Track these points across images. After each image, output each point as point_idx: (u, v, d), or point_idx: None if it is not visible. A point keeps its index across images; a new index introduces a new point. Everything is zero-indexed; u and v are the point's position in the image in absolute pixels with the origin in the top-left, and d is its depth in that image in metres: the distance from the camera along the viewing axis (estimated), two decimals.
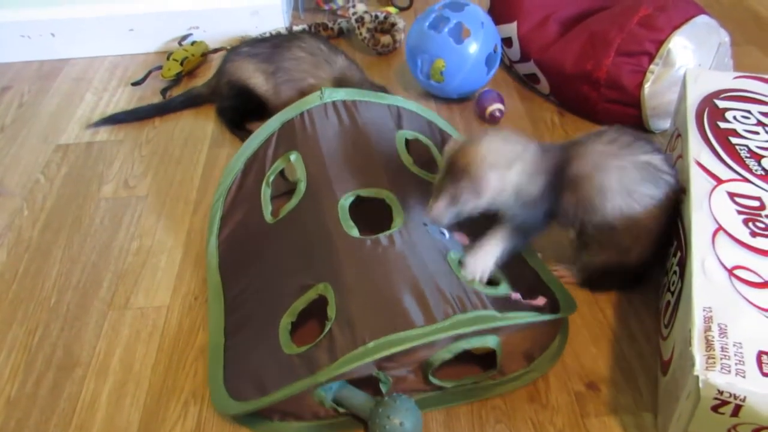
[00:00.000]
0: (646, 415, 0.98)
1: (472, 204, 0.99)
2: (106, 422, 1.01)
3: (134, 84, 1.82)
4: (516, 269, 1.14)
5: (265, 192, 1.21)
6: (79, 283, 1.25)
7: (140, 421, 1.01)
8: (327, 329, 0.94)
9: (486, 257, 1.04)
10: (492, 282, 1.06)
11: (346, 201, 1.09)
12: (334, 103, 1.23)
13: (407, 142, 1.25)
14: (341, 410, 0.96)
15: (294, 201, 1.15)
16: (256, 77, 1.59)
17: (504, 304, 0.99)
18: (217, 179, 1.48)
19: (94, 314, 1.19)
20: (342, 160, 1.16)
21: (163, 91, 1.78)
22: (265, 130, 1.26)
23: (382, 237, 1.02)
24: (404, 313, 0.92)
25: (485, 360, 1.01)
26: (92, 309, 1.20)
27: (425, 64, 1.62)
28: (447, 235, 1.10)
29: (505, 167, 0.99)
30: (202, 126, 1.67)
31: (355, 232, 1.04)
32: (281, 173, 1.23)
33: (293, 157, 1.19)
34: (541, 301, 1.06)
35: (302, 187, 1.15)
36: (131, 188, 1.48)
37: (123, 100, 1.79)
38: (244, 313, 1.11)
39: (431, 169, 1.20)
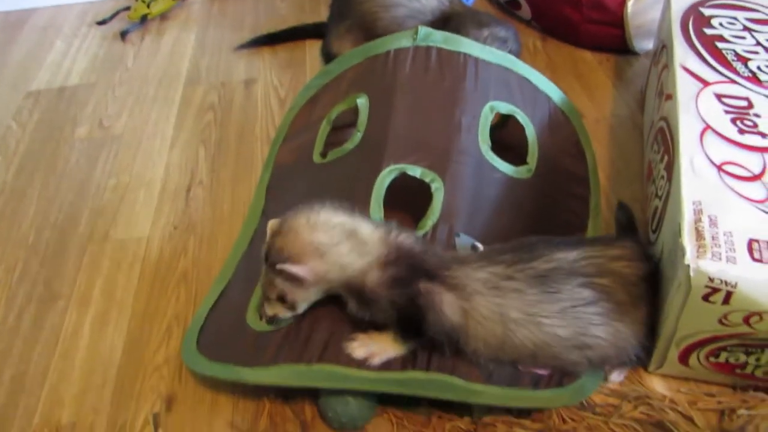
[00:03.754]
0: None
1: (302, 296, 0.84)
2: (90, 348, 1.00)
3: (99, 23, 1.80)
4: None
5: (324, 129, 1.12)
6: (57, 221, 1.22)
7: (124, 345, 1.00)
8: (288, 320, 0.88)
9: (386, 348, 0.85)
10: None
11: (388, 175, 0.96)
12: (427, 47, 1.09)
13: (501, 116, 1.10)
14: None
15: (345, 147, 1.05)
16: None
17: (495, 368, 0.85)
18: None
19: (73, 249, 1.16)
20: (409, 120, 1.02)
21: (123, 33, 1.75)
22: (347, 60, 1.17)
23: None
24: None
25: None
26: (71, 244, 1.17)
27: None
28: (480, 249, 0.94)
29: (326, 250, 0.82)
30: (176, 65, 1.63)
31: (377, 218, 0.92)
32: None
33: (361, 101, 1.08)
34: (545, 370, 0.87)
35: (357, 137, 1.04)
36: (106, 128, 1.44)
37: (94, 45, 1.75)
38: (252, 253, 1.05)
39: (514, 158, 1.05)
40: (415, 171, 0.96)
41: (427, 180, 0.96)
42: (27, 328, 1.04)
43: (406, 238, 0.84)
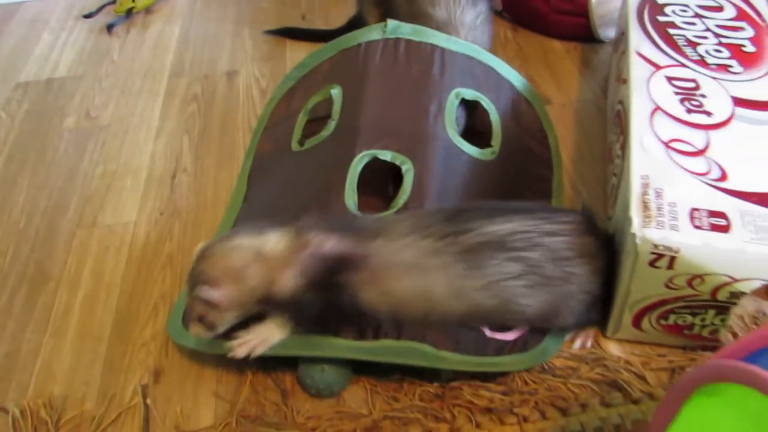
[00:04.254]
0: None
1: (221, 317, 0.87)
2: (80, 326, 1.05)
3: (86, 16, 1.84)
4: None
5: (301, 119, 1.17)
6: (47, 208, 1.27)
7: (113, 322, 1.05)
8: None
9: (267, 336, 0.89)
10: None
11: (360, 161, 1.01)
12: (396, 39, 1.13)
13: (468, 102, 1.14)
14: None
15: (321, 135, 1.11)
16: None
17: (463, 338, 0.90)
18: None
19: (62, 234, 1.21)
20: (379, 109, 1.07)
21: (109, 27, 1.79)
22: (322, 53, 1.22)
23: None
24: None
25: None
26: (61, 229, 1.22)
27: None
28: None
29: (240, 274, 0.85)
30: (161, 58, 1.68)
31: (351, 203, 0.98)
32: None
33: (334, 91, 1.13)
34: (515, 333, 0.93)
35: (332, 126, 1.09)
36: (93, 119, 1.49)
37: (81, 38, 1.79)
38: None
39: (482, 143, 1.11)
40: (386, 155, 1.02)
41: (397, 162, 1.02)
42: (19, 309, 1.09)
43: (316, 236, 0.86)
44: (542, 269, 0.86)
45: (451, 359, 0.88)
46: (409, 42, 1.13)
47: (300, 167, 1.12)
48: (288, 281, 0.85)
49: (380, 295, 0.86)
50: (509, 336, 0.92)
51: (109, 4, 1.85)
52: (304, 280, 0.85)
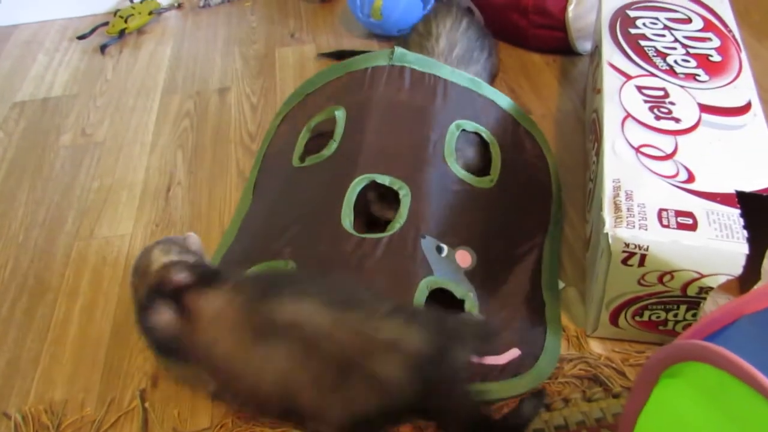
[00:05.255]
0: (570, 289, 1.09)
1: None
2: (79, 333, 1.09)
3: (80, 38, 1.88)
4: (519, 296, 1.03)
5: (303, 135, 1.20)
6: (45, 221, 1.31)
7: (111, 330, 1.09)
8: None
9: None
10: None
11: (359, 183, 1.03)
12: (401, 67, 1.17)
13: (468, 134, 1.16)
14: None
15: (322, 154, 1.13)
16: None
17: None
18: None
19: (61, 246, 1.25)
20: (381, 135, 1.09)
21: (103, 47, 1.84)
22: (330, 73, 1.25)
23: (369, 241, 0.97)
24: None
25: None
26: (59, 242, 1.26)
27: (365, 5, 1.70)
28: (445, 251, 0.99)
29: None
30: (153, 76, 1.73)
31: (347, 223, 0.99)
32: None
33: (338, 113, 1.16)
34: (507, 357, 0.93)
35: (333, 146, 1.12)
36: (89, 136, 1.53)
37: (75, 58, 1.84)
38: (235, 248, 1.14)
39: (480, 172, 1.13)
40: (384, 179, 1.04)
41: (395, 187, 1.03)
42: (20, 318, 1.12)
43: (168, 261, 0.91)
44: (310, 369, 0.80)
45: None
46: (413, 71, 1.17)
47: (298, 184, 1.14)
48: None
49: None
50: (500, 359, 0.93)
51: (102, 25, 1.90)
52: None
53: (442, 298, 0.96)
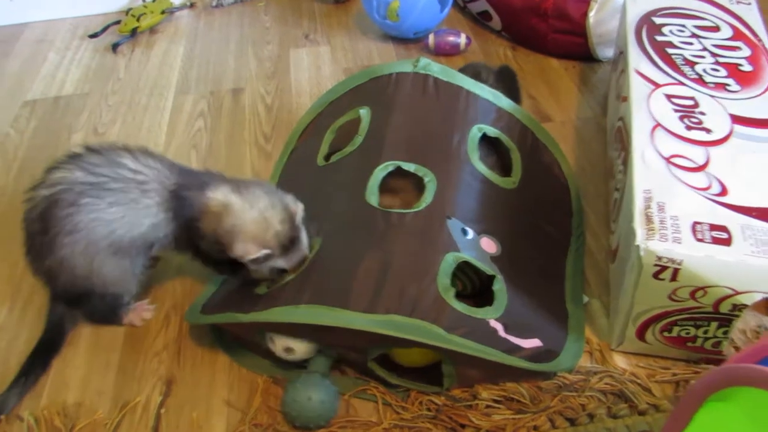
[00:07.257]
0: (593, 301, 1.07)
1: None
2: (93, 336, 1.07)
3: (91, 36, 1.87)
4: (545, 298, 1.04)
5: (328, 137, 1.21)
6: None
7: (125, 333, 1.08)
8: (286, 279, 0.97)
9: None
10: (482, 298, 0.98)
11: (384, 169, 1.05)
12: (425, 75, 1.19)
13: (489, 138, 1.17)
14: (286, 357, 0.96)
15: (346, 150, 1.14)
16: None
17: (475, 330, 0.91)
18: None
19: None
20: (406, 130, 1.12)
21: (114, 46, 1.82)
22: (353, 80, 1.27)
23: (395, 214, 0.99)
24: (347, 290, 0.91)
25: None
26: None
27: (381, 6, 1.68)
28: (471, 235, 1.01)
29: None
30: (166, 76, 1.71)
31: (373, 200, 1.01)
32: None
33: (363, 111, 1.18)
34: (529, 343, 0.94)
35: (358, 141, 1.13)
36: (101, 135, 1.51)
37: (87, 57, 1.82)
38: None
39: (501, 172, 1.15)
40: (410, 167, 1.05)
41: (420, 174, 1.05)
42: (32, 319, 1.10)
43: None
44: None
45: (462, 344, 0.88)
46: (437, 80, 1.18)
47: (324, 180, 1.15)
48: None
49: None
50: (524, 343, 0.93)
51: (113, 24, 1.88)
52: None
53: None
